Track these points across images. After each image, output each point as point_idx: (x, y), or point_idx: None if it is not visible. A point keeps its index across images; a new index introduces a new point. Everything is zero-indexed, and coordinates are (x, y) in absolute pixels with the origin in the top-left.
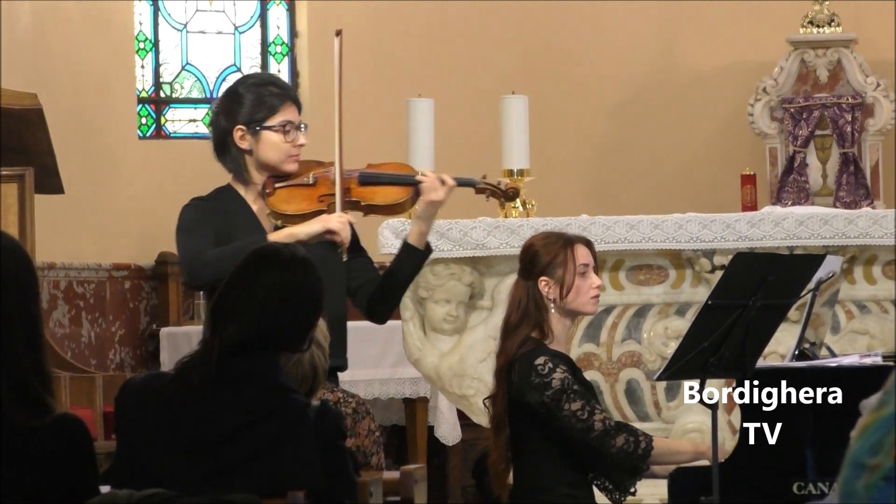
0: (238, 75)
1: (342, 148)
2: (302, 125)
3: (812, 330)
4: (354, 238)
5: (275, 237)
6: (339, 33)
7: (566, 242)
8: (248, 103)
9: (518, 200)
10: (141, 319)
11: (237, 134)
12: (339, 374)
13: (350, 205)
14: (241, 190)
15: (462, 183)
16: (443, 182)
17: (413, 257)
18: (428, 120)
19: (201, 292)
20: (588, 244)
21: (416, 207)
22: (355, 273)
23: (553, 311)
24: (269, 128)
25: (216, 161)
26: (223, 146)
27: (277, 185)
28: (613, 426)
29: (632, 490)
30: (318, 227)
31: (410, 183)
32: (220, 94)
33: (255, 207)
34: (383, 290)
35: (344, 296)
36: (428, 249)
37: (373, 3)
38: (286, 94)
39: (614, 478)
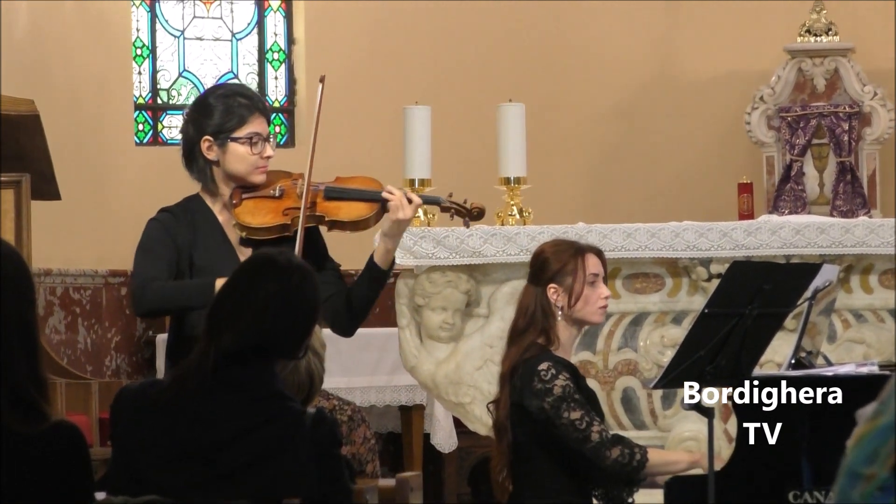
0: (236, 82)
1: (310, 185)
2: (270, 137)
3: (808, 339)
4: (322, 250)
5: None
6: (322, 79)
7: (577, 251)
8: (215, 114)
9: (515, 208)
10: (137, 326)
11: (204, 144)
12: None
13: (314, 219)
14: (209, 200)
15: (427, 201)
16: (409, 200)
17: (376, 276)
18: (425, 127)
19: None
20: (599, 254)
21: (382, 225)
22: (322, 285)
23: (560, 318)
24: (235, 139)
25: (185, 169)
26: (191, 156)
27: (244, 195)
28: (609, 438)
29: (629, 501)
30: None
31: (376, 199)
32: (190, 105)
33: (221, 218)
34: (349, 305)
35: None
36: (391, 267)
37: (370, 10)
38: (255, 105)
39: (610, 489)
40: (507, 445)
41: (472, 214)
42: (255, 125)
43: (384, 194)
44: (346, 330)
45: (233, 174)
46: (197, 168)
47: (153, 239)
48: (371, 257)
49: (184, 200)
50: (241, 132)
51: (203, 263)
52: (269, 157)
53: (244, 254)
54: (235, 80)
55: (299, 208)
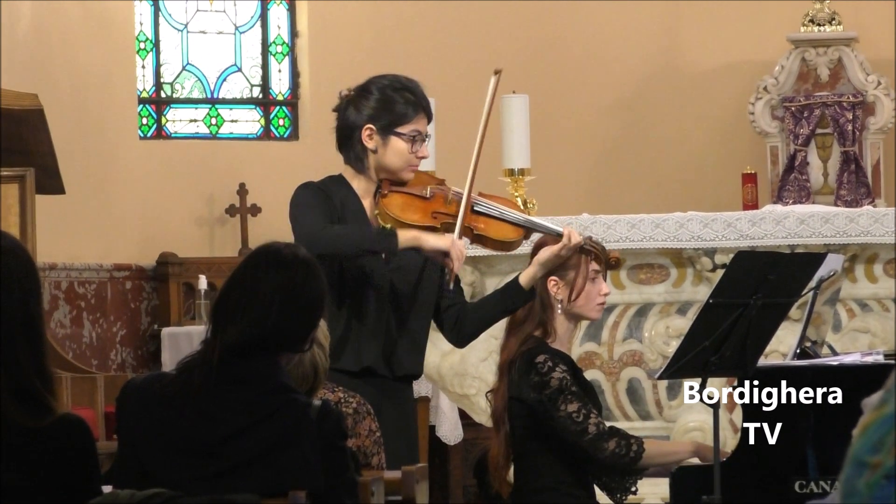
0: (238, 75)
1: (475, 177)
2: (428, 136)
3: (813, 328)
4: None
5: (402, 236)
6: (497, 72)
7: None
8: (381, 105)
9: (519, 200)
10: (142, 320)
11: (365, 132)
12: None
13: (463, 230)
14: (355, 184)
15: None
16: (570, 239)
17: (518, 296)
18: None
19: (202, 292)
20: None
21: (539, 254)
22: (447, 292)
23: (559, 311)
24: (399, 134)
25: (338, 151)
26: (348, 139)
27: (393, 188)
28: (606, 430)
29: (633, 490)
30: (443, 245)
31: (525, 227)
32: (353, 89)
33: (364, 203)
34: (475, 317)
35: (431, 308)
36: (532, 293)
37: (374, 3)
38: (420, 103)
39: (609, 479)
40: (504, 436)
41: (609, 264)
42: (418, 123)
43: (564, 229)
44: (460, 341)
45: (386, 167)
46: (353, 154)
47: (309, 198)
48: (516, 278)
49: (328, 178)
50: (405, 128)
51: None
52: (423, 158)
53: None
54: (240, 73)
55: (448, 214)
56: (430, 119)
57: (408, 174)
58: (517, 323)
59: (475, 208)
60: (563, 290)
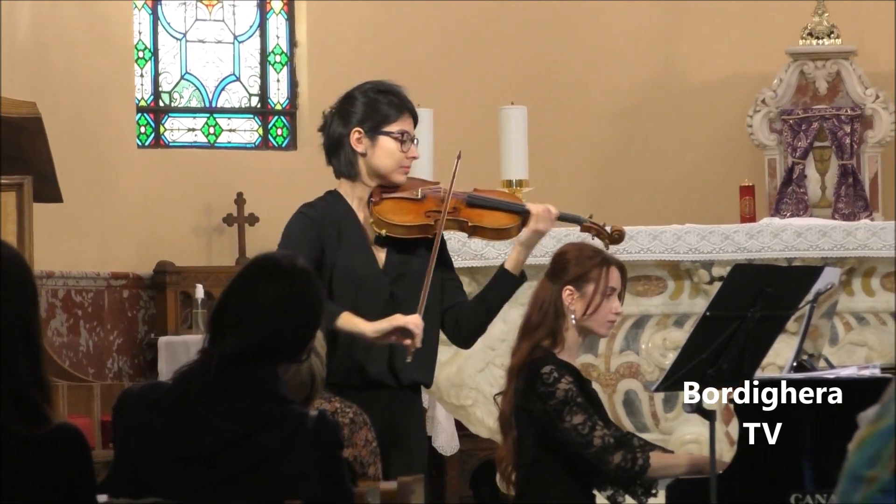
0: (237, 84)
1: (452, 189)
2: (416, 139)
3: (810, 342)
4: (448, 261)
5: (343, 323)
6: (459, 156)
7: (603, 261)
8: (366, 108)
9: None
10: (139, 328)
11: (354, 136)
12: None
13: (456, 224)
14: (349, 197)
15: (567, 219)
16: (549, 212)
17: (507, 283)
18: (428, 130)
19: (199, 301)
20: (622, 269)
21: (520, 234)
22: (445, 295)
23: (571, 322)
24: (387, 133)
25: (327, 165)
26: (337, 148)
27: (385, 195)
28: (612, 443)
29: (653, 492)
30: (387, 325)
31: (518, 211)
32: (335, 104)
33: (360, 216)
34: (473, 314)
35: (437, 313)
36: (522, 277)
37: (372, 13)
38: (404, 104)
39: (618, 490)
40: (512, 441)
41: (612, 238)
42: (405, 123)
43: (528, 206)
44: (467, 340)
45: (377, 169)
46: (344, 160)
47: (294, 233)
48: (502, 266)
49: (326, 194)
50: (392, 127)
51: (344, 263)
52: (414, 158)
53: (380, 253)
54: (238, 82)
55: (441, 211)
56: (416, 121)
57: (399, 176)
58: (530, 328)
59: (469, 202)
60: (577, 302)
